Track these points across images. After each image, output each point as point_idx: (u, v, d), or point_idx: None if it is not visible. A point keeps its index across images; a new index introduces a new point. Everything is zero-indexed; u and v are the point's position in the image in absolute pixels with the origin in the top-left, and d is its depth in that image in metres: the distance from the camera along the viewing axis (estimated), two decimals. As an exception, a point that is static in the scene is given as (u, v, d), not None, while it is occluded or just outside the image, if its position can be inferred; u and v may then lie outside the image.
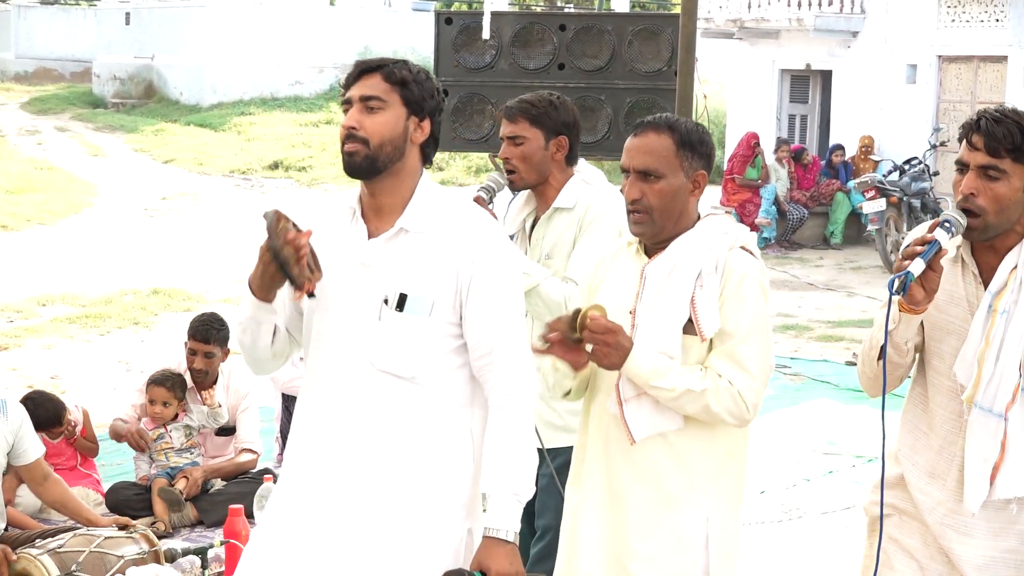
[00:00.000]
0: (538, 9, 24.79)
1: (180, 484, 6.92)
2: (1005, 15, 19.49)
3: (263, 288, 3.46)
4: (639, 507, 3.73)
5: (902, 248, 3.49)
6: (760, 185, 19.44)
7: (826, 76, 22.65)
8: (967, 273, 3.61)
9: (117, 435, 7.25)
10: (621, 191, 3.88)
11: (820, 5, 21.71)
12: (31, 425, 6.15)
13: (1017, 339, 3.47)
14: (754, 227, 18.33)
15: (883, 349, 3.56)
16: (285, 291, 3.50)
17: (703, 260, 3.65)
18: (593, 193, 4.73)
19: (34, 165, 24.52)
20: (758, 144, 19.73)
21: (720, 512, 3.74)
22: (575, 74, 7.98)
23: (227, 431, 7.32)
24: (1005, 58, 19.53)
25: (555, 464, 4.54)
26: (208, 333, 7.14)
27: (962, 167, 3.55)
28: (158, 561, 5.70)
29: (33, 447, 6.04)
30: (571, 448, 4.60)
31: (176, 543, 6.29)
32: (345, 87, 3.55)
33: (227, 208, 21.86)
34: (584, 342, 3.66)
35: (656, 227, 3.72)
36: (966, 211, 3.50)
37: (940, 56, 20.47)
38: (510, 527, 3.48)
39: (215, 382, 7.22)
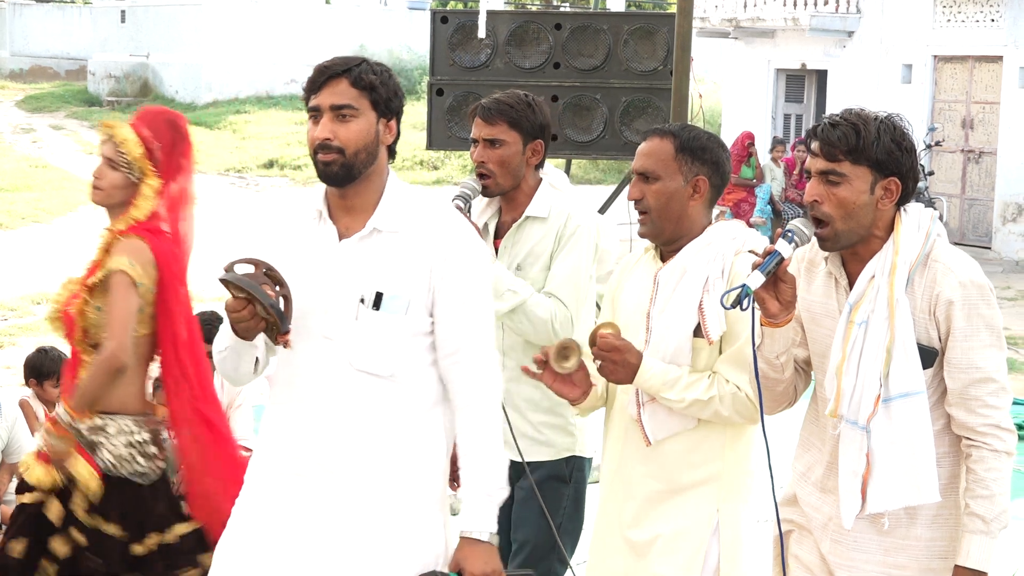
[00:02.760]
0: (534, 8, 24.77)
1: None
2: (1000, 15, 19.52)
3: (245, 335, 3.45)
4: (651, 499, 3.84)
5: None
6: (755, 184, 19.46)
7: (821, 76, 22.68)
8: (839, 286, 3.55)
9: None
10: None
11: (816, 5, 21.73)
12: (24, 422, 6.15)
13: (875, 350, 3.40)
14: (749, 227, 18.32)
15: (755, 366, 3.52)
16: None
17: (711, 266, 3.73)
18: (567, 202, 4.56)
19: (29, 163, 24.53)
20: (753, 143, 19.74)
21: (730, 504, 3.82)
22: (571, 73, 7.99)
23: None
24: (1000, 58, 19.57)
25: (534, 477, 4.41)
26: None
27: (809, 174, 3.49)
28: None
29: (27, 443, 6.04)
30: (548, 463, 4.56)
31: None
32: (309, 92, 3.51)
33: (222, 206, 21.85)
34: (575, 370, 3.80)
35: (655, 227, 3.82)
36: (816, 220, 3.45)
37: (935, 56, 20.51)
38: (486, 527, 3.48)
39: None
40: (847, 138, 3.40)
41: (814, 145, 3.46)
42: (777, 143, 20.59)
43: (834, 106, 21.99)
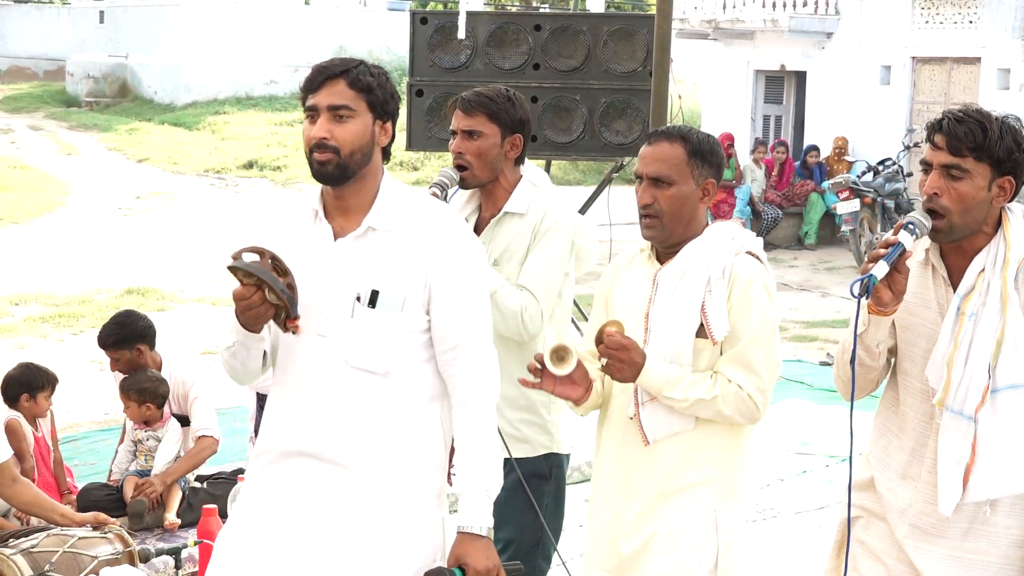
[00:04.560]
0: (513, 9, 24.76)
1: (129, 489, 6.85)
2: (978, 17, 19.59)
3: (253, 324, 3.47)
4: (649, 499, 3.87)
5: (867, 251, 3.52)
6: (734, 186, 19.51)
7: (800, 77, 22.73)
8: (937, 276, 3.63)
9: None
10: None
11: (795, 6, 21.78)
12: (1, 431, 6.12)
13: (985, 342, 3.48)
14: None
15: (853, 352, 3.59)
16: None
17: (711, 266, 3.78)
18: (546, 199, 4.60)
19: (7, 164, 24.43)
20: (732, 145, 19.80)
21: (727, 504, 3.86)
22: (550, 74, 8.00)
23: (183, 422, 7.25)
24: (978, 59, 19.64)
25: (513, 476, 4.42)
26: (117, 344, 7.02)
27: (927, 167, 3.56)
28: (132, 562, 5.67)
29: (1, 450, 6.01)
30: (527, 460, 4.59)
31: (150, 543, 6.26)
32: (307, 92, 3.54)
33: (201, 207, 21.81)
34: (572, 373, 3.83)
35: (666, 231, 3.85)
36: (931, 212, 3.52)
37: (914, 57, 20.57)
38: (484, 523, 3.53)
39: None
40: (973, 134, 3.47)
41: (937, 138, 3.52)
42: (758, 144, 20.64)
43: (813, 107, 22.07)
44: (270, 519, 3.55)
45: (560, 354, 3.80)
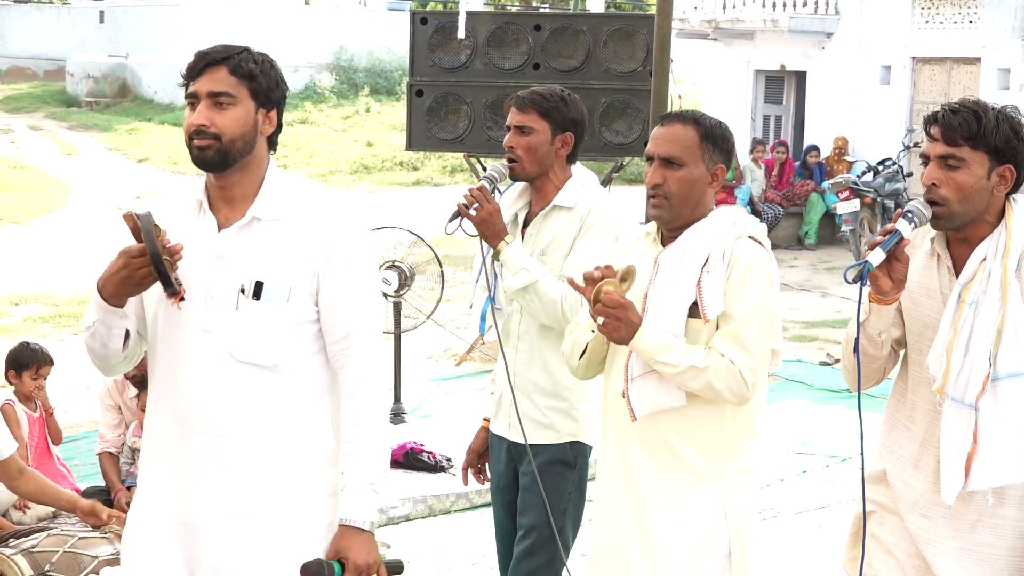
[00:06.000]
0: (513, 9, 24.78)
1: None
2: (978, 17, 19.59)
3: (121, 294, 3.39)
4: (652, 484, 3.86)
5: (866, 240, 3.54)
6: (735, 186, 19.50)
7: (800, 77, 22.73)
8: (941, 266, 3.66)
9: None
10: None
11: (795, 6, 21.78)
12: (3, 422, 6.13)
13: (986, 330, 3.50)
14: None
15: (857, 340, 3.61)
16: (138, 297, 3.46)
17: (712, 248, 3.79)
18: (593, 194, 4.73)
19: (7, 164, 24.44)
20: (732, 144, 19.77)
21: (734, 489, 3.85)
22: (550, 74, 8.00)
23: None
24: (978, 59, 19.63)
25: (538, 461, 4.58)
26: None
27: (925, 160, 3.60)
28: (132, 561, 5.68)
29: (6, 443, 6.01)
30: (553, 446, 4.70)
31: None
32: (188, 78, 3.50)
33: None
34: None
35: (674, 212, 3.87)
36: (931, 202, 3.55)
37: (914, 57, 20.57)
38: (366, 516, 3.48)
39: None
40: (968, 124, 3.51)
41: (934, 130, 3.57)
42: (757, 144, 20.63)
43: (813, 107, 22.06)
44: (159, 515, 3.52)
45: (624, 276, 3.76)
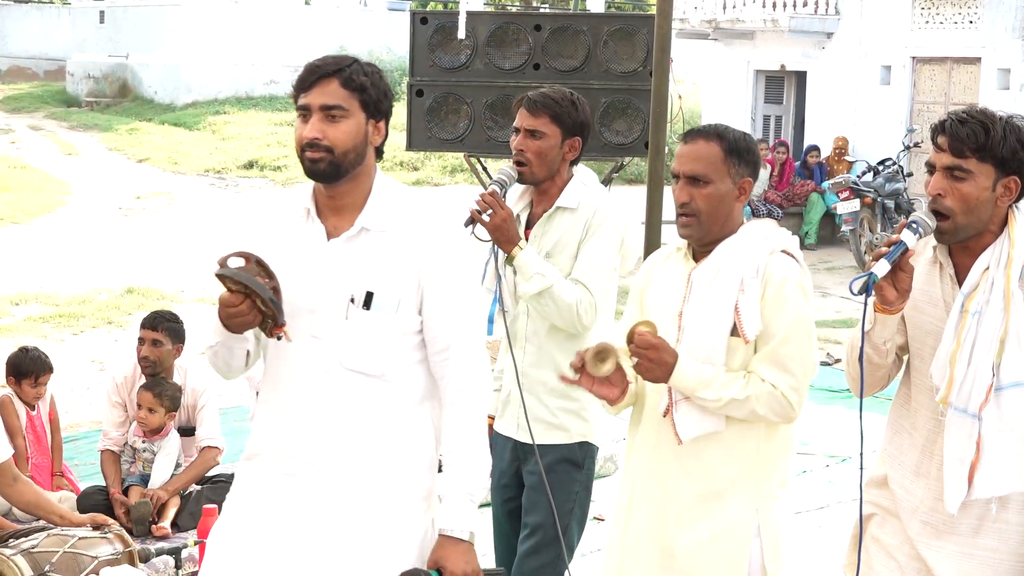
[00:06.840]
0: (513, 9, 24.77)
1: (135, 497, 6.87)
2: (979, 17, 19.59)
3: (238, 329, 3.44)
4: (688, 502, 3.84)
5: (867, 251, 3.53)
6: (735, 185, 19.48)
7: (801, 77, 22.73)
8: (944, 275, 3.65)
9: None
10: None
11: (795, 6, 21.78)
12: (1, 427, 6.13)
13: (989, 339, 3.49)
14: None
15: (861, 350, 3.60)
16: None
17: (745, 265, 3.75)
18: (597, 195, 4.72)
19: (7, 164, 24.43)
20: (733, 145, 19.76)
21: (768, 503, 3.85)
22: (550, 74, 7.98)
23: (189, 431, 7.27)
24: (978, 60, 19.64)
25: (545, 461, 4.57)
26: (156, 321, 7.09)
27: (931, 168, 3.57)
28: (132, 562, 5.68)
29: (2, 449, 6.01)
30: (563, 446, 4.71)
31: (150, 543, 6.27)
32: (299, 90, 3.51)
33: (202, 207, 21.80)
34: (611, 372, 3.79)
35: (703, 230, 3.83)
36: (936, 212, 3.53)
37: (914, 57, 20.57)
38: (465, 526, 3.50)
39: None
40: (976, 135, 3.48)
41: (940, 140, 3.54)
42: (757, 143, 20.62)
43: (813, 107, 22.07)
44: (260, 521, 3.54)
45: (602, 356, 3.77)
